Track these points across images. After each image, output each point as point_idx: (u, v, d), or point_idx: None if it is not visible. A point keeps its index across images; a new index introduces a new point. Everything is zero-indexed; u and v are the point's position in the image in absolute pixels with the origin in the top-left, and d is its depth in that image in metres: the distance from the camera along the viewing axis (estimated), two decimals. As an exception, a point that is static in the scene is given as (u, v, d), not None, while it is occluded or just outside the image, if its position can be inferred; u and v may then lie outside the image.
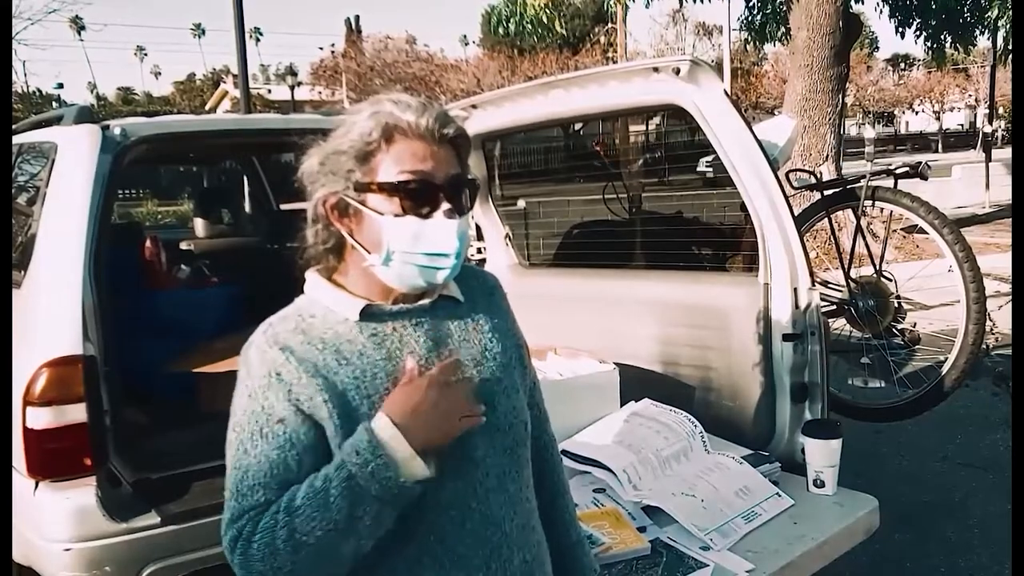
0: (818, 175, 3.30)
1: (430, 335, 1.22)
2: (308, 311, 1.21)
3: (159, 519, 2.30)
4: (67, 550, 2.23)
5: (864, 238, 3.11)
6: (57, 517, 2.24)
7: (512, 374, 1.29)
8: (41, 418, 2.22)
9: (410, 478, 1.08)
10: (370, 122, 1.15)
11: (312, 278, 1.24)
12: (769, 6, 11.85)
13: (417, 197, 1.15)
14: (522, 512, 1.26)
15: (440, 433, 1.10)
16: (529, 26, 14.31)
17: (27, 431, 2.23)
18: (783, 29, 11.68)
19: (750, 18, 12.24)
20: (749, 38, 13.03)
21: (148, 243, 4.05)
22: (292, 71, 34.39)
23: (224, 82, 39.28)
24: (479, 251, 3.11)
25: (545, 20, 13.23)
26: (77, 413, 2.24)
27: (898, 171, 3.04)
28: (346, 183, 1.16)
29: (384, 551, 1.15)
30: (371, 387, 1.15)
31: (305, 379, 1.14)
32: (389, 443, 1.07)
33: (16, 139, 3.17)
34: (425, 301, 1.23)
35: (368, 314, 1.20)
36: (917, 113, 44.07)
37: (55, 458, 2.26)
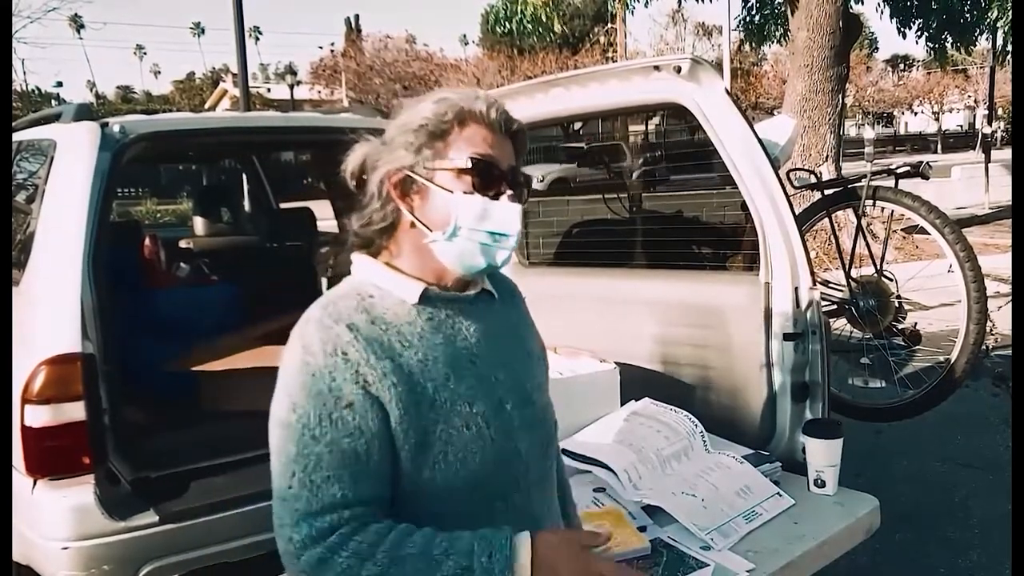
0: (818, 175, 3.29)
1: (479, 324, 1.23)
2: (365, 291, 1.20)
3: (158, 518, 2.29)
4: (65, 548, 2.22)
5: (865, 238, 3.11)
6: (55, 515, 2.24)
7: (541, 370, 1.33)
8: (40, 416, 2.22)
9: None
10: (443, 104, 1.19)
11: (362, 259, 1.23)
12: (767, 7, 11.85)
13: (487, 178, 1.18)
14: (552, 508, 1.30)
15: None
16: (529, 25, 14.29)
17: (25, 429, 2.22)
18: (781, 30, 11.69)
19: (747, 18, 12.24)
20: (746, 38, 13.03)
21: (147, 241, 4.05)
22: (291, 70, 34.43)
23: (224, 81, 39.24)
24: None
25: (544, 19, 13.21)
26: (76, 411, 2.23)
27: (899, 171, 3.04)
28: (415, 159, 1.18)
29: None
30: (433, 371, 1.15)
31: (373, 359, 1.11)
32: (519, 569, 1.06)
33: (15, 136, 3.16)
34: (470, 292, 1.25)
35: (425, 298, 1.20)
36: (916, 114, 44.06)
37: (53, 456, 2.25)
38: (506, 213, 1.18)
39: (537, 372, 1.31)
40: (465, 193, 1.17)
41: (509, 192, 1.19)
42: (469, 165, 1.17)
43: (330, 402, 1.09)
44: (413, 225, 1.20)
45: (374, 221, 1.21)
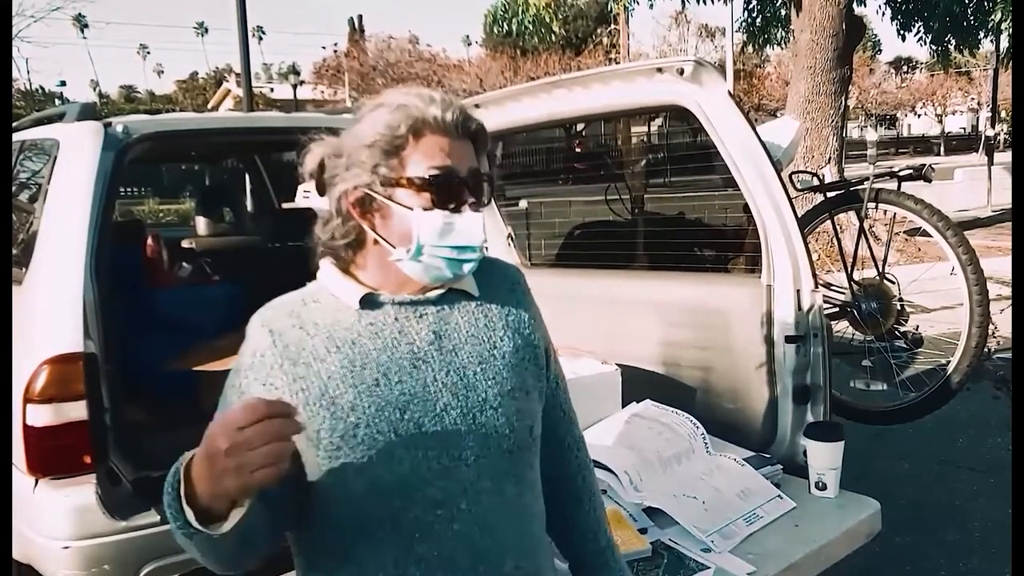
0: (821, 177, 3.29)
1: (433, 327, 1.20)
2: (313, 296, 1.21)
3: (159, 518, 2.29)
4: (66, 548, 2.22)
5: (867, 240, 3.10)
6: (56, 515, 2.24)
7: (523, 375, 1.25)
8: (41, 415, 2.22)
9: (192, 524, 1.00)
10: (397, 115, 1.15)
11: (324, 265, 1.23)
12: (770, 9, 11.85)
13: (446, 191, 1.15)
14: (519, 517, 1.23)
15: (223, 486, 0.96)
16: (529, 26, 14.31)
17: (27, 428, 2.23)
18: (783, 32, 11.69)
19: (750, 20, 12.24)
20: (747, 40, 13.03)
21: (150, 241, 4.05)
22: (295, 70, 34.40)
23: (227, 81, 39.28)
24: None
25: (547, 19, 13.24)
26: (77, 411, 2.23)
27: (901, 173, 3.04)
28: (371, 177, 1.15)
29: (370, 542, 1.14)
30: (358, 377, 1.14)
31: (287, 365, 1.14)
32: (182, 484, 1.02)
33: (18, 136, 3.17)
34: (432, 293, 1.21)
35: (369, 302, 1.19)
36: (919, 116, 44.02)
37: (55, 456, 2.25)
38: (467, 226, 1.16)
39: (512, 375, 1.23)
40: (425, 209, 1.14)
41: (471, 200, 1.17)
42: (427, 181, 1.14)
43: (236, 395, 1.16)
44: (376, 242, 1.18)
45: (337, 236, 1.20)
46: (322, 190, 1.21)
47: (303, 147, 1.21)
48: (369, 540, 1.15)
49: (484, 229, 1.18)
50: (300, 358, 1.15)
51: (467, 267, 1.18)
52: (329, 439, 1.13)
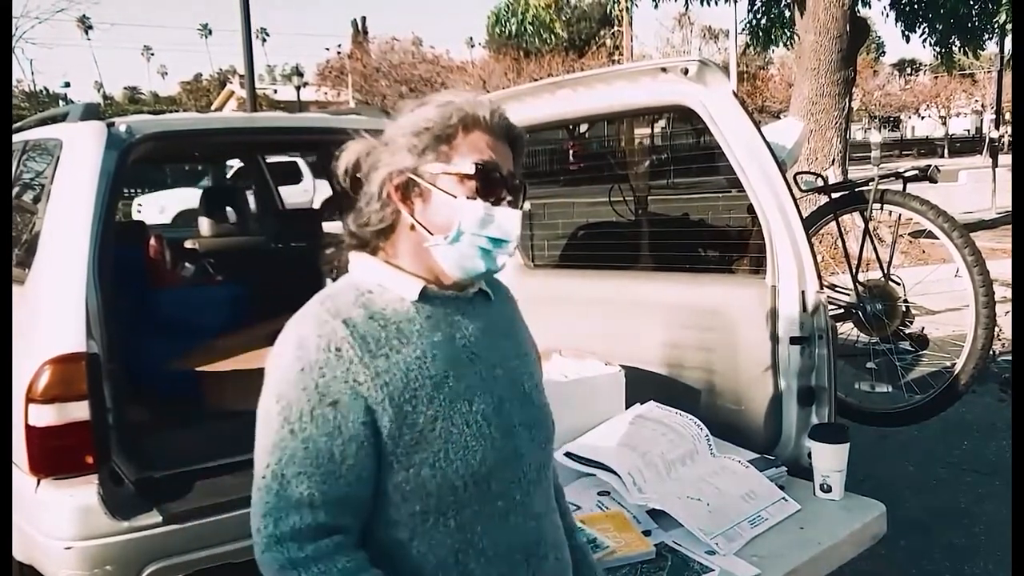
0: (825, 178, 3.28)
1: (477, 323, 1.24)
2: (366, 286, 1.19)
3: (161, 518, 2.29)
4: (68, 548, 2.21)
5: (872, 241, 3.09)
6: (59, 515, 2.23)
7: (537, 370, 1.34)
8: (44, 415, 2.22)
9: None
10: (448, 108, 1.19)
11: (360, 257, 1.22)
12: (773, 11, 11.83)
13: (489, 184, 1.18)
14: (551, 507, 1.29)
15: None
16: (530, 27, 14.31)
17: (30, 428, 2.22)
18: (787, 34, 11.66)
19: (753, 22, 12.22)
20: (750, 42, 13.02)
21: (153, 241, 4.06)
22: (298, 72, 34.38)
23: (230, 82, 39.32)
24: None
25: (548, 21, 13.24)
26: (80, 411, 2.23)
27: (907, 174, 3.03)
28: (417, 162, 1.18)
29: (430, 537, 1.14)
30: (432, 368, 1.15)
31: (367, 358, 1.11)
32: None
33: (22, 136, 3.17)
34: (469, 291, 1.25)
35: (424, 295, 1.20)
36: (923, 118, 43.96)
37: (57, 456, 2.25)
38: (507, 219, 1.19)
39: (534, 372, 1.32)
40: (468, 198, 1.17)
41: (509, 198, 1.20)
42: (474, 171, 1.17)
43: (315, 398, 1.08)
44: (413, 228, 1.19)
45: (372, 222, 1.20)
46: (357, 186, 1.22)
47: (342, 145, 1.23)
48: (430, 535, 1.14)
49: (520, 226, 1.21)
50: (380, 350, 1.12)
51: (500, 260, 1.21)
52: (410, 434, 1.11)
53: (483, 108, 1.20)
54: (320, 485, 1.07)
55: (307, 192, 13.69)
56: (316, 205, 12.33)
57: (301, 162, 13.89)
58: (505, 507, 1.18)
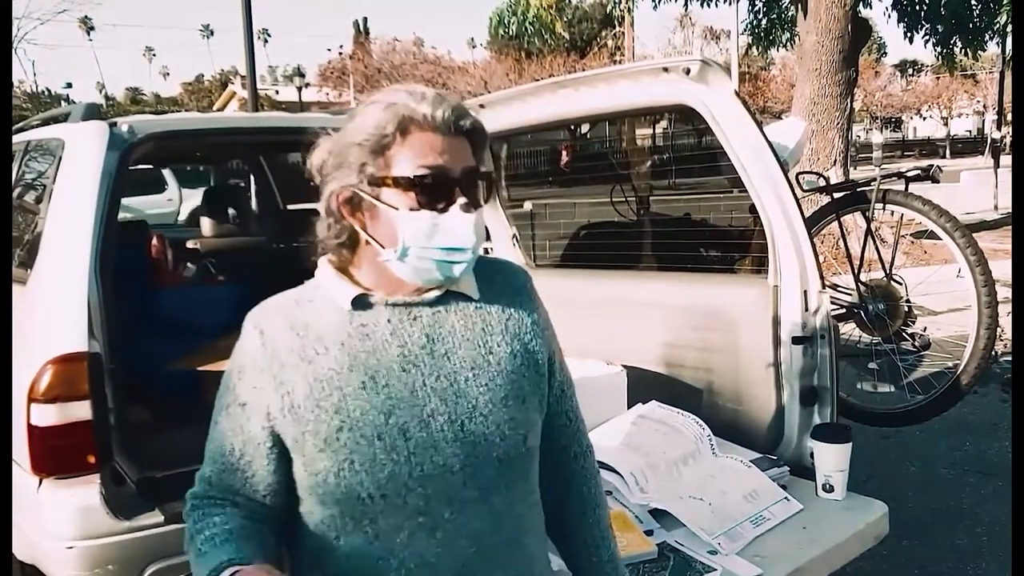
0: (827, 178, 3.28)
1: (426, 331, 1.18)
2: (308, 296, 1.21)
3: (163, 518, 2.28)
4: (70, 548, 2.21)
5: (874, 241, 3.09)
6: (60, 515, 2.23)
7: (520, 381, 1.21)
8: (45, 415, 2.21)
9: None
10: (385, 114, 1.12)
11: (321, 263, 1.22)
12: (774, 11, 11.84)
13: (433, 191, 1.12)
14: (510, 528, 1.19)
15: None
16: (531, 27, 14.33)
17: (31, 428, 2.22)
18: (788, 34, 11.67)
19: (755, 23, 12.23)
20: (752, 42, 13.02)
21: (154, 241, 4.06)
22: (300, 72, 34.45)
23: (232, 83, 39.36)
24: (486, 251, 3.09)
25: (548, 20, 13.24)
26: (81, 410, 2.22)
27: (909, 174, 3.02)
28: (359, 177, 1.13)
29: (353, 540, 1.14)
30: (345, 379, 1.13)
31: (275, 367, 1.15)
32: None
33: (23, 136, 3.17)
34: (428, 295, 1.19)
35: (361, 303, 1.17)
36: (925, 119, 43.90)
37: (59, 455, 2.25)
38: (456, 227, 1.13)
39: (507, 381, 1.19)
40: (411, 210, 1.12)
41: (462, 201, 1.13)
42: (412, 180, 1.11)
43: (230, 396, 1.19)
44: (368, 242, 1.17)
45: (331, 235, 1.19)
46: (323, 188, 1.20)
47: (312, 144, 1.20)
48: (350, 540, 1.14)
49: (475, 229, 1.14)
50: (288, 360, 1.14)
51: (457, 268, 1.15)
52: (313, 441, 1.12)
53: (423, 105, 1.12)
54: (220, 472, 1.20)
55: (172, 202, 12.99)
56: (183, 216, 12.06)
57: (167, 172, 12.78)
58: (430, 523, 1.12)
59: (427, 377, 1.15)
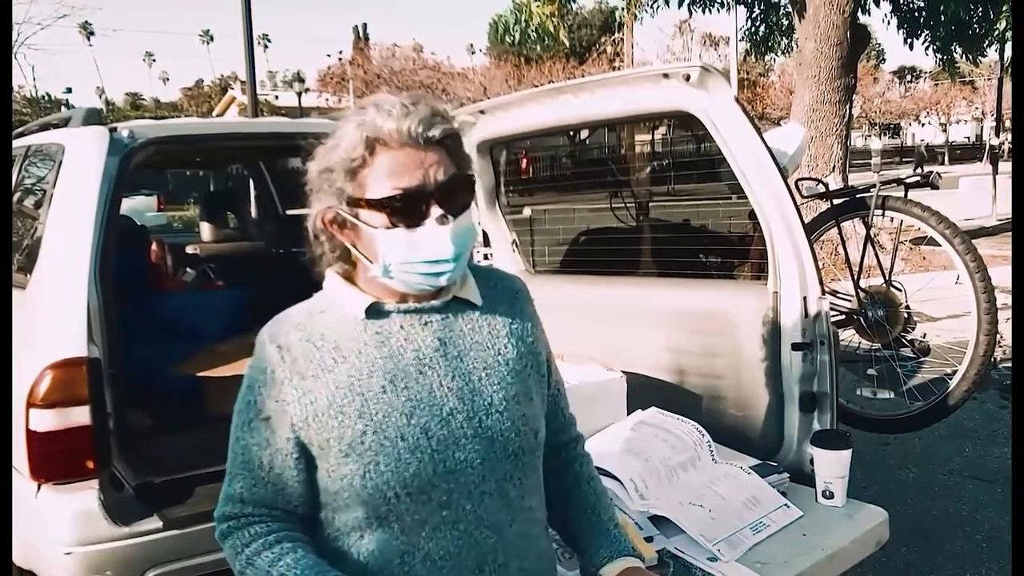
0: (826, 184, 3.28)
1: (438, 335, 1.23)
2: (319, 307, 1.24)
3: (162, 523, 2.28)
4: (68, 554, 2.21)
5: (874, 247, 3.09)
6: (59, 520, 2.23)
7: (526, 381, 1.28)
8: (44, 420, 2.21)
9: None
10: (355, 135, 1.15)
11: (329, 275, 1.26)
12: (773, 18, 11.87)
13: (404, 210, 1.15)
14: (523, 519, 1.26)
15: None
16: (534, 35, 14.35)
17: (30, 433, 2.22)
18: (787, 41, 11.70)
19: (753, 29, 12.26)
20: (750, 49, 13.05)
21: (154, 246, 4.05)
22: (300, 78, 34.53)
23: (232, 88, 39.45)
24: (486, 257, 3.09)
25: (552, 29, 13.26)
26: (80, 415, 2.22)
27: (908, 180, 3.03)
28: (339, 198, 1.17)
29: (377, 537, 1.18)
30: (365, 385, 1.17)
31: (296, 379, 1.18)
32: None
33: (24, 141, 3.17)
34: (436, 301, 1.24)
35: (375, 311, 1.21)
36: (924, 125, 43.99)
37: (58, 461, 2.25)
38: (432, 241, 1.15)
39: (516, 380, 1.26)
40: (387, 228, 1.15)
41: (437, 213, 1.15)
42: (383, 201, 1.14)
43: (252, 411, 1.20)
44: (358, 258, 1.22)
45: (327, 249, 1.23)
46: None
47: (311, 150, 1.22)
48: (375, 537, 1.18)
49: (455, 238, 1.17)
50: (308, 371, 1.18)
51: (443, 279, 1.19)
52: (338, 447, 1.16)
53: (391, 121, 1.13)
54: (251, 487, 1.21)
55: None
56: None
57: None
58: (453, 516, 1.18)
59: (443, 378, 1.21)
